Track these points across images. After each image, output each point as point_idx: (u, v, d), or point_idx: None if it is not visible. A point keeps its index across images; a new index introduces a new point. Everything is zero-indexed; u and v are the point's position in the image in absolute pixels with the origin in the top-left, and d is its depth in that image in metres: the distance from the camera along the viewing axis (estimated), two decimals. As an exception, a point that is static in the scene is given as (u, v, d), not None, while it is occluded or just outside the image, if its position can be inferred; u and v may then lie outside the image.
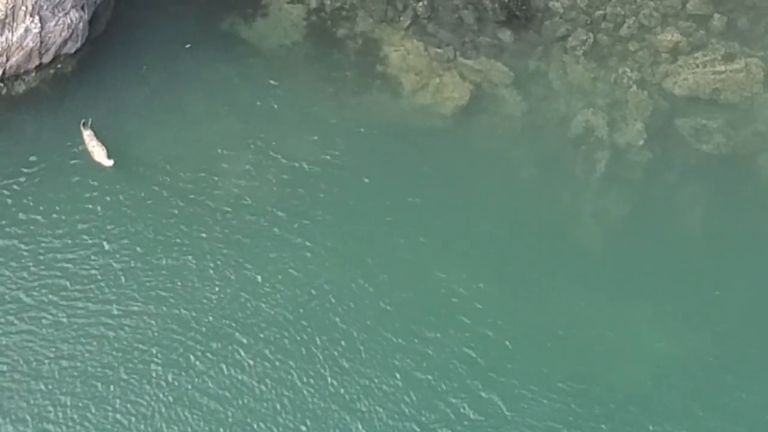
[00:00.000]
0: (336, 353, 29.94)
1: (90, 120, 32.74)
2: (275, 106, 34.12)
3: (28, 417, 28.80)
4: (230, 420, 28.91)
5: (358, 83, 34.92)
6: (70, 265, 30.81)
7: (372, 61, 35.37)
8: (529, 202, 33.15)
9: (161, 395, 29.12)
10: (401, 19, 36.01)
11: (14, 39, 32.90)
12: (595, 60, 35.84)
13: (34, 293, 30.32)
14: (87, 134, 32.62)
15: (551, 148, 34.34)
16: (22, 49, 33.11)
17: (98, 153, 32.25)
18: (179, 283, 30.68)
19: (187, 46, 34.96)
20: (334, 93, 34.66)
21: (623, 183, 33.86)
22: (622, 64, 35.78)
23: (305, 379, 29.50)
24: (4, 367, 29.34)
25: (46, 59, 33.73)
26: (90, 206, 31.76)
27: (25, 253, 30.88)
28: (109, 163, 32.15)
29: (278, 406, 29.16)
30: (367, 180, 32.90)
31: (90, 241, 31.21)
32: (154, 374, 29.40)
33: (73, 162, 32.50)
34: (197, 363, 29.60)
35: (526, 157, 34.04)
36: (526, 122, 34.78)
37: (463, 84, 35.10)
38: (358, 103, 34.56)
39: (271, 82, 34.57)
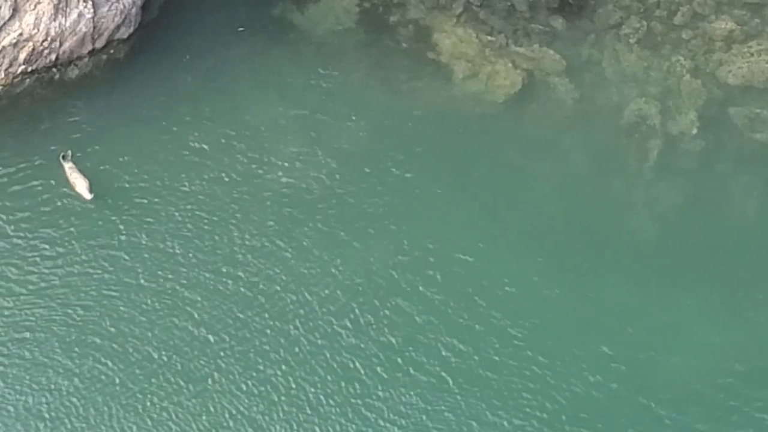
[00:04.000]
0: (384, 344, 29.74)
1: (70, 152, 31.83)
2: (326, 92, 34.06)
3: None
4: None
5: (409, 70, 34.81)
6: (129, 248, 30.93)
7: (423, 48, 35.25)
8: (580, 190, 32.94)
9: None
10: (453, 6, 35.87)
11: (67, 24, 33.05)
12: (649, 48, 35.58)
13: (86, 284, 30.38)
14: (68, 167, 31.51)
15: (603, 137, 34.10)
16: (75, 34, 33.26)
17: (80, 185, 31.11)
18: (227, 271, 30.61)
19: (240, 29, 35.01)
20: (385, 79, 34.60)
21: (676, 172, 33.59)
22: (676, 52, 35.51)
23: (357, 371, 29.39)
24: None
25: (99, 44, 33.86)
26: (145, 185, 31.77)
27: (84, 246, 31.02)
28: (89, 196, 30.97)
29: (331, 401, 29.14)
30: (416, 166, 32.77)
31: (146, 222, 31.33)
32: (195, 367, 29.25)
33: (125, 147, 32.51)
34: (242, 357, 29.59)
35: (578, 146, 33.86)
36: (578, 110, 34.57)
37: (514, 71, 34.94)
38: (410, 90, 34.47)
39: (322, 68, 34.49)
